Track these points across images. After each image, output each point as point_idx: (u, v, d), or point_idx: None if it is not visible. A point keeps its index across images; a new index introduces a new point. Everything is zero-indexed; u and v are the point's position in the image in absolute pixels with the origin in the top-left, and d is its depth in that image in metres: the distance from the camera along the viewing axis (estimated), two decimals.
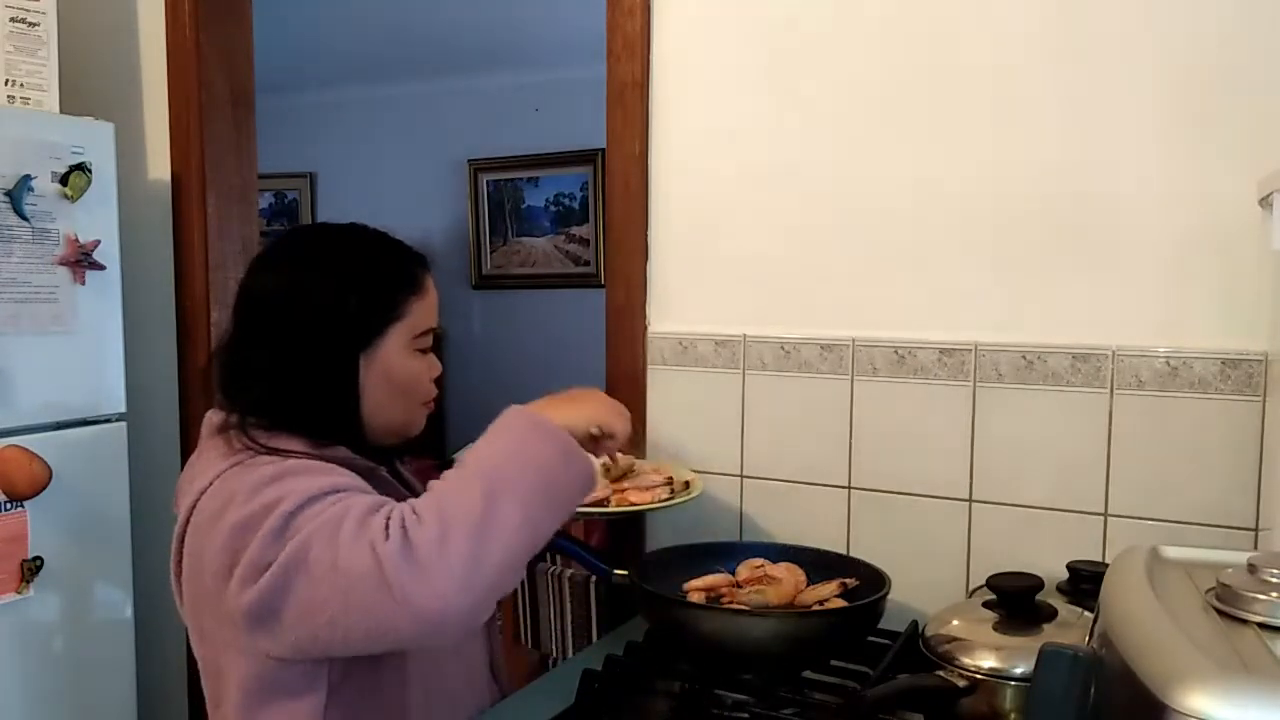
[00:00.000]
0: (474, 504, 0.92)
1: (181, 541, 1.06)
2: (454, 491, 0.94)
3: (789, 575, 1.30)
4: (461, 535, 0.90)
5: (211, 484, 1.04)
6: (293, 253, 1.17)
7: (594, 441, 1.10)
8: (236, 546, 0.97)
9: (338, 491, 0.99)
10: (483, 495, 0.92)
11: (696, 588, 1.28)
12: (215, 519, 1.00)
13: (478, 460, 0.97)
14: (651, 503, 1.35)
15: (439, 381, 1.20)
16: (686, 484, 1.41)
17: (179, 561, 1.07)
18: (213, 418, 1.13)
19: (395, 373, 1.13)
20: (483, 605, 0.92)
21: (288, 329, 1.10)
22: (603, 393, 1.15)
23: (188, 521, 1.05)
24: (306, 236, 1.28)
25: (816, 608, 1.23)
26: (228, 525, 0.98)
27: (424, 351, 1.17)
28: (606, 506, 1.34)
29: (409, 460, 1.29)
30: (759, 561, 1.35)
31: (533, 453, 0.97)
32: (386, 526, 0.92)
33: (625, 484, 1.36)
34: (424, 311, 1.16)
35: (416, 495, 1.23)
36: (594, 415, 1.08)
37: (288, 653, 0.98)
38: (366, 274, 1.12)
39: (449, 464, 1.00)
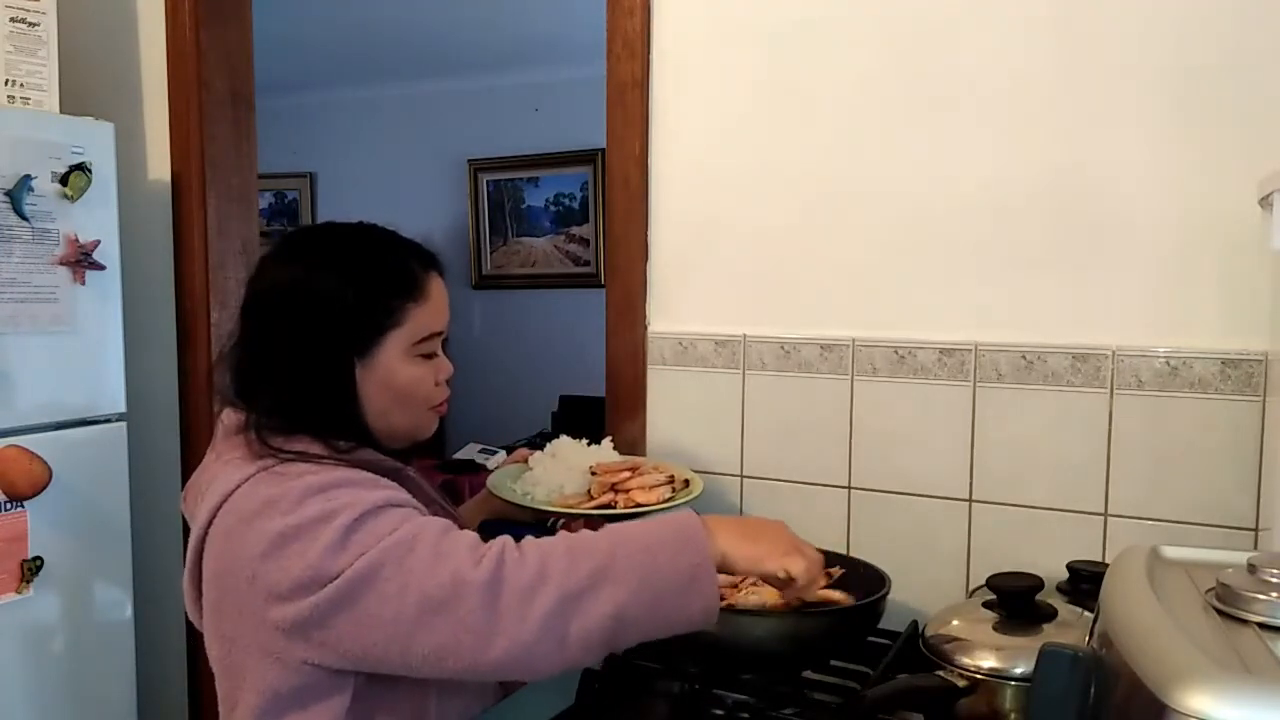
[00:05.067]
0: (578, 576, 0.93)
1: (201, 544, 1.03)
2: (567, 555, 0.94)
3: None
4: (552, 595, 0.91)
5: (239, 486, 1.01)
6: (296, 251, 1.15)
7: (781, 583, 1.03)
8: (283, 554, 0.95)
9: (392, 506, 0.99)
10: (589, 574, 0.93)
11: None
12: (247, 523, 0.98)
13: (611, 539, 0.97)
14: (656, 503, 1.34)
15: (450, 382, 1.18)
16: (686, 482, 1.41)
17: (196, 564, 1.04)
18: (228, 418, 1.11)
19: (395, 380, 1.11)
20: (538, 667, 0.93)
21: (284, 327, 1.09)
22: (787, 531, 1.05)
23: (209, 524, 1.02)
24: (311, 235, 1.23)
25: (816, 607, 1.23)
26: (271, 532, 0.96)
27: (429, 356, 1.15)
28: (614, 508, 1.34)
29: (412, 461, 1.29)
30: None
31: (661, 564, 0.95)
32: (480, 556, 0.93)
33: (630, 483, 1.36)
34: (426, 317, 1.13)
35: (428, 497, 1.23)
36: (764, 559, 1.00)
37: (331, 660, 0.97)
38: (362, 278, 1.10)
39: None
